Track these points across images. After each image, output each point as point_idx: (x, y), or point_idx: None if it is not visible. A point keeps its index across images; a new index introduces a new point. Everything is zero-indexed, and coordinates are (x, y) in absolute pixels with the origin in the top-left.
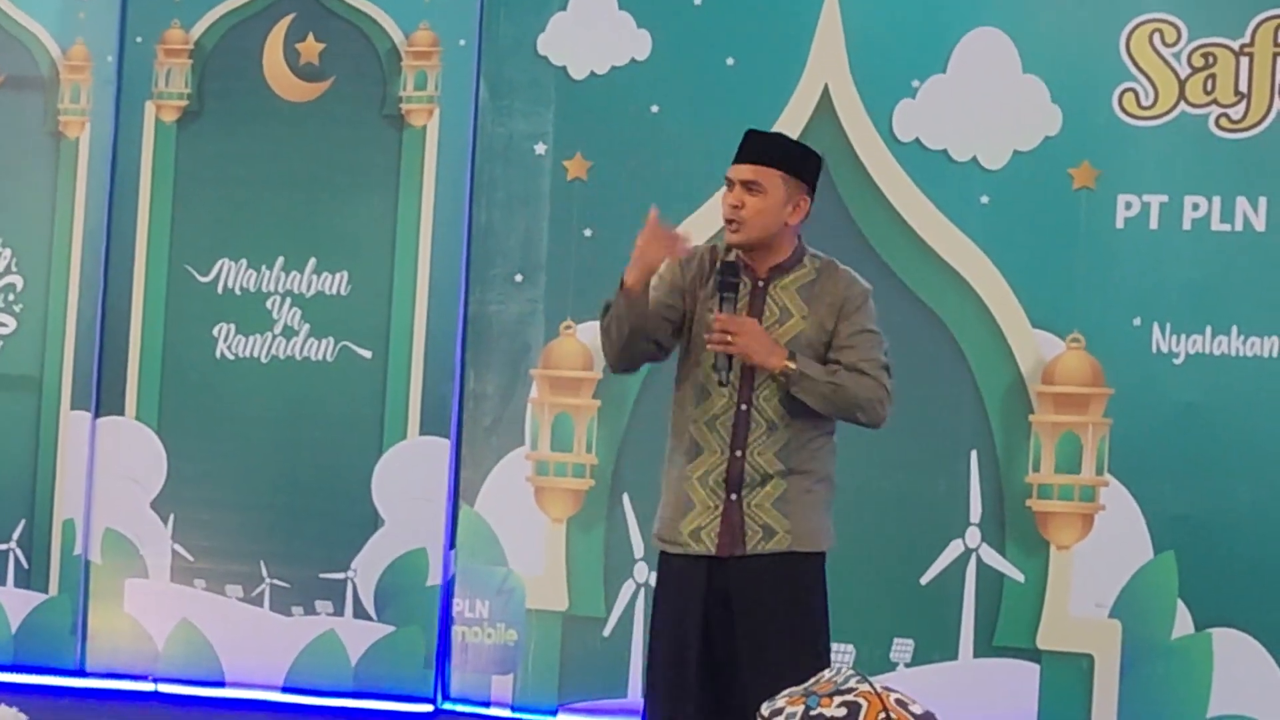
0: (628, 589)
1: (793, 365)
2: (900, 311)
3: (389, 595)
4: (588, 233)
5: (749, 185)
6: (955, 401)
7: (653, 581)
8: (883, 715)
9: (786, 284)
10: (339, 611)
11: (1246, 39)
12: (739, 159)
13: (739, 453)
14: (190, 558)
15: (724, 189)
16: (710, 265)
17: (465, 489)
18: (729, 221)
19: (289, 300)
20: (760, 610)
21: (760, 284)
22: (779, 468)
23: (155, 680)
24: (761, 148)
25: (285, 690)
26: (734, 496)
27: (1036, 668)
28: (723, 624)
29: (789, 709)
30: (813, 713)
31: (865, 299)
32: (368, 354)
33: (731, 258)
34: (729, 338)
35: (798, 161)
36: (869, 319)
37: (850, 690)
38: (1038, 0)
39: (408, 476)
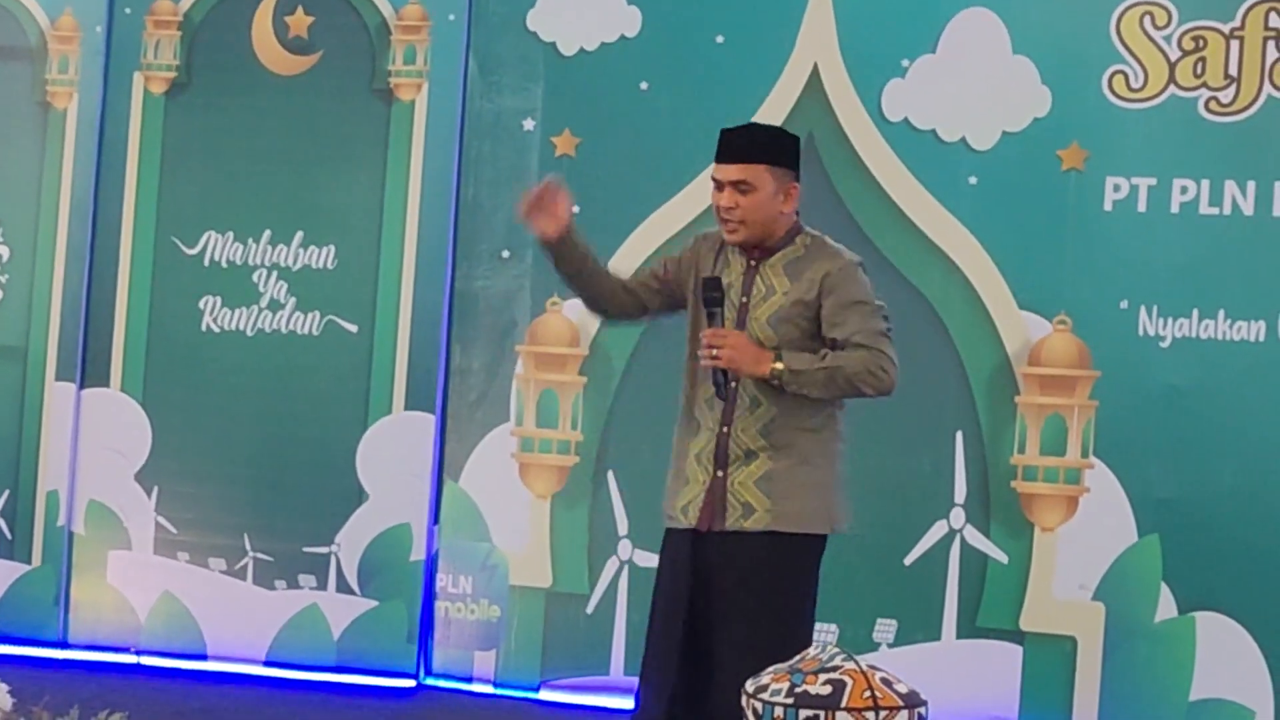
0: (611, 566)
1: (778, 365)
2: (887, 291)
3: (372, 570)
4: (576, 209)
5: (739, 185)
6: (941, 382)
7: (636, 559)
8: (868, 693)
9: (774, 262)
10: (322, 585)
11: (1237, 23)
12: (722, 159)
13: (725, 429)
14: (174, 530)
15: (712, 187)
16: (714, 247)
17: (450, 464)
18: (725, 222)
19: (275, 273)
20: (735, 587)
21: (752, 264)
22: (761, 444)
23: (137, 652)
24: (744, 145)
25: (267, 664)
26: (720, 473)
27: (1019, 649)
28: (705, 598)
29: (774, 686)
30: (798, 690)
31: (851, 272)
32: (354, 328)
33: (714, 272)
34: (714, 352)
35: (780, 151)
36: (858, 290)
37: (836, 669)
38: None
39: (392, 451)
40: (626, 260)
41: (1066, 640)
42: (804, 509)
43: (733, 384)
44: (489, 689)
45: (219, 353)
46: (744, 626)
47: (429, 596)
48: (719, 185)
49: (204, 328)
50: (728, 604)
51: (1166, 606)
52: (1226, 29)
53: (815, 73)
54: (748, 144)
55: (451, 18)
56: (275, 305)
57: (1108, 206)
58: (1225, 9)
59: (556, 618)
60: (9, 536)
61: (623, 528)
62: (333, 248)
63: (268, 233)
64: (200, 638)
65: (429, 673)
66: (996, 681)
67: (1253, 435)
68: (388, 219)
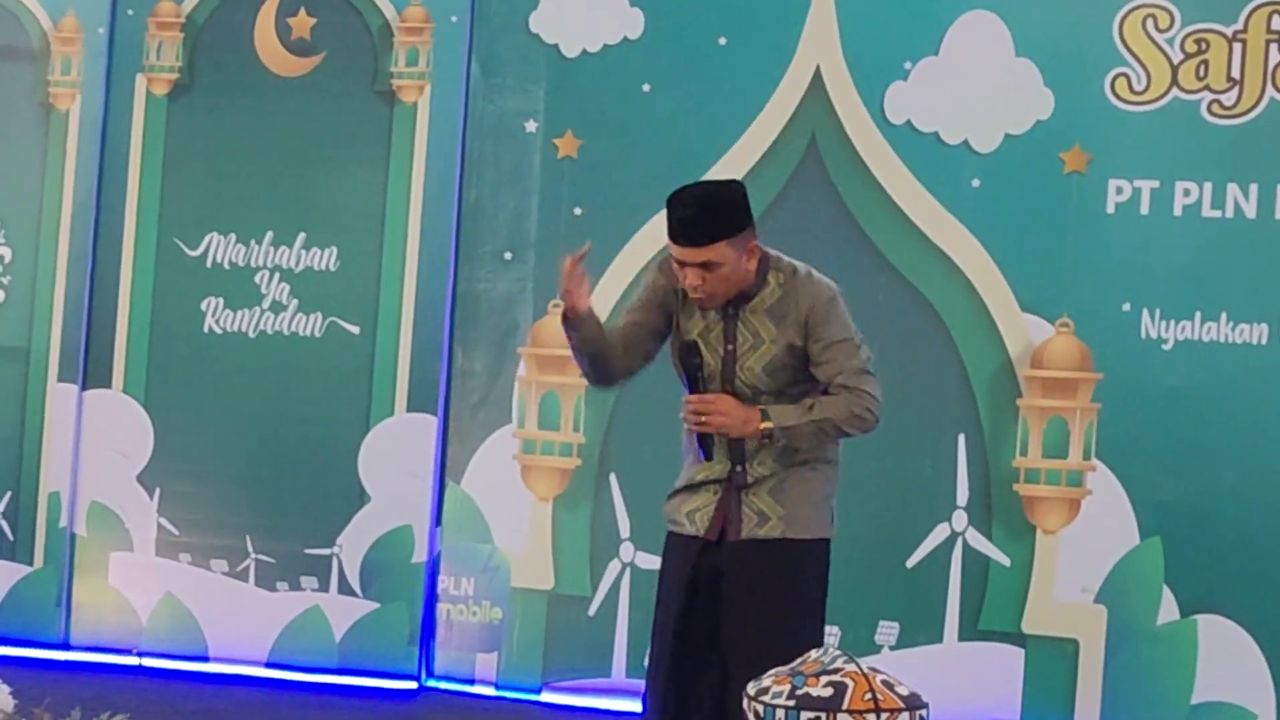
0: (613, 568)
1: (768, 425)
2: (889, 294)
3: (374, 572)
4: (578, 211)
5: (704, 266)
6: (943, 385)
7: (638, 561)
8: (869, 695)
9: (754, 307)
10: (324, 587)
11: (1240, 25)
12: (681, 242)
13: (739, 467)
14: (175, 531)
15: (674, 262)
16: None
17: (452, 466)
18: (695, 294)
19: (278, 275)
20: (748, 593)
21: (730, 311)
22: (776, 468)
23: (139, 654)
24: (701, 227)
25: (269, 665)
26: (735, 490)
27: (1021, 652)
28: (711, 603)
29: (775, 688)
30: (799, 692)
31: (830, 307)
32: (356, 330)
33: (698, 329)
34: (702, 418)
35: (735, 217)
36: (838, 327)
37: (837, 671)
38: None
39: (394, 453)
40: (628, 262)
41: (1068, 643)
42: (814, 515)
43: (719, 445)
44: (491, 691)
45: (221, 354)
46: (764, 632)
47: (431, 598)
48: (681, 263)
49: (206, 329)
50: (743, 611)
51: (1168, 609)
52: (1229, 32)
53: (818, 75)
54: (704, 225)
55: (454, 19)
56: (277, 307)
57: (1110, 209)
58: (1228, 12)
59: (558, 620)
60: (11, 538)
61: (625, 530)
62: (335, 249)
63: (270, 234)
64: (202, 639)
65: (430, 675)
66: (998, 684)
67: (1255, 438)
68: (390, 221)
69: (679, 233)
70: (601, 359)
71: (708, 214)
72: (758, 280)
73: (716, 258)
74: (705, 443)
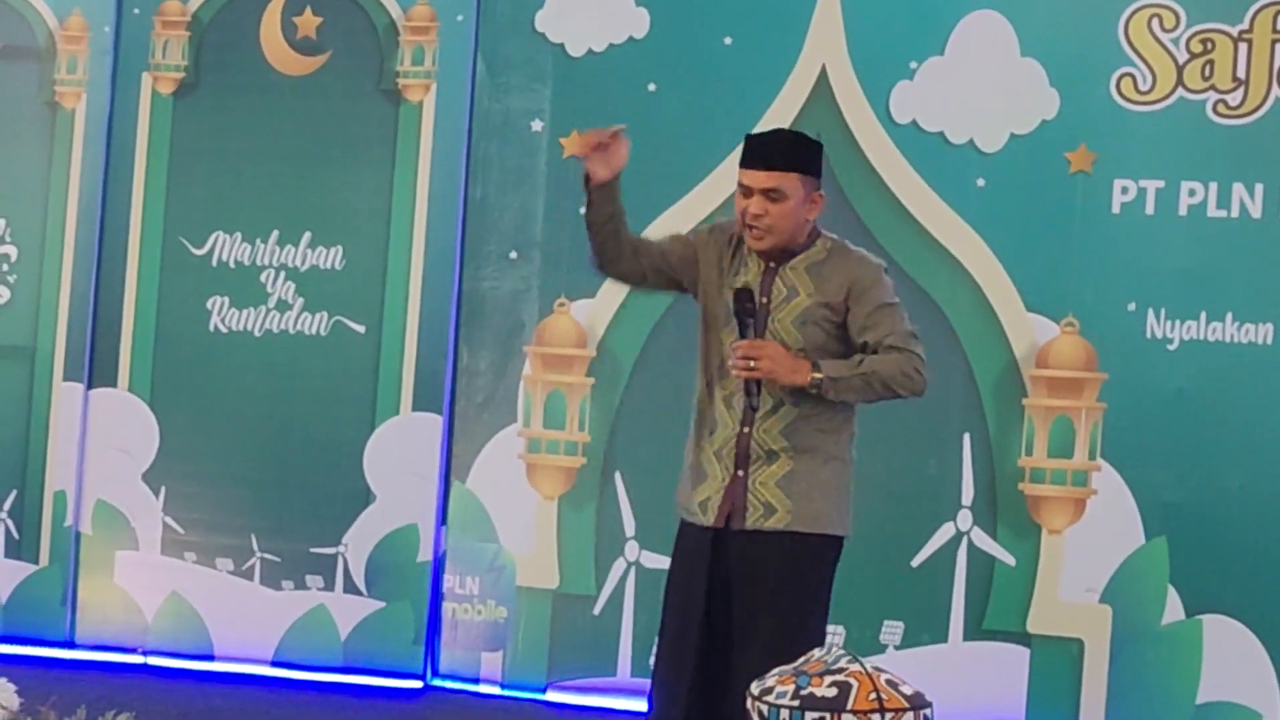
0: (618, 567)
1: (818, 375)
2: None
3: (379, 571)
4: (583, 211)
5: (770, 193)
6: (949, 384)
7: (643, 560)
8: (873, 695)
9: (795, 264)
10: (329, 586)
11: (1245, 25)
12: (753, 165)
13: (746, 429)
14: (181, 530)
15: (737, 192)
16: (728, 243)
17: (457, 465)
18: (751, 228)
19: (283, 274)
20: (753, 586)
21: (771, 265)
22: (784, 444)
23: (145, 653)
24: (778, 152)
25: (274, 664)
26: (741, 472)
27: (1026, 652)
28: (723, 596)
29: (779, 688)
30: (803, 692)
31: (878, 276)
32: (361, 329)
33: (740, 283)
34: (751, 363)
35: (810, 159)
36: (885, 293)
37: (841, 670)
38: None
39: (400, 452)
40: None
41: (1073, 643)
42: (824, 510)
43: (762, 395)
44: (496, 690)
45: (227, 353)
46: (766, 626)
47: (436, 597)
48: (747, 191)
49: (212, 328)
50: (749, 604)
51: (1173, 609)
52: (1235, 31)
53: (823, 74)
54: (780, 151)
55: (460, 18)
56: (283, 306)
57: (1115, 209)
58: (1233, 11)
59: (563, 619)
60: (16, 536)
61: (630, 529)
62: (340, 248)
63: (275, 233)
64: (207, 638)
65: (436, 674)
66: (1003, 684)
67: (1260, 438)
68: (396, 220)
69: (754, 153)
70: (604, 243)
71: (787, 143)
72: (806, 242)
73: (784, 187)
74: (751, 391)
